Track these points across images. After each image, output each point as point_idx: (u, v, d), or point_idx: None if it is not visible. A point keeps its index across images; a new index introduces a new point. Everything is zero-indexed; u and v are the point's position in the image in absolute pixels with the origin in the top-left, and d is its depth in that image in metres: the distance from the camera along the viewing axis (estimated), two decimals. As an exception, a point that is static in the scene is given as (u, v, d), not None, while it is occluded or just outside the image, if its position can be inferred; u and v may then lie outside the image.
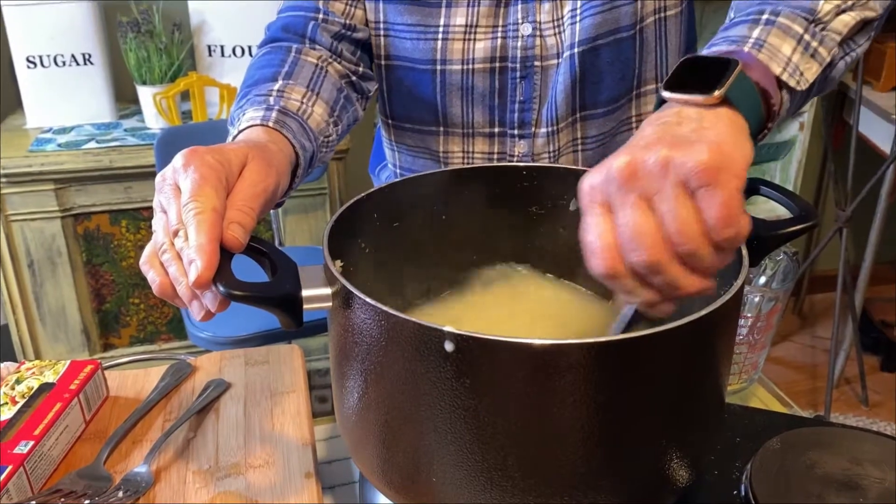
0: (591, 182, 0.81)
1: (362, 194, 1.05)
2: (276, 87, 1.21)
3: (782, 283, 1.38)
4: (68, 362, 1.21)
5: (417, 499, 0.89)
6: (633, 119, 1.44)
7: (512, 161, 1.40)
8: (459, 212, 1.14)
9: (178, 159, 0.91)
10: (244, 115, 1.14)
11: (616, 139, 1.43)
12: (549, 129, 1.38)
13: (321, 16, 1.35)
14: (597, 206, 0.80)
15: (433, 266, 1.16)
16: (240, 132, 1.11)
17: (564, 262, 1.18)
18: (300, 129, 1.15)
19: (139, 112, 3.23)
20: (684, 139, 0.79)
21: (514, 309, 1.18)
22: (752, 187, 1.04)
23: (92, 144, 3.00)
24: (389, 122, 1.48)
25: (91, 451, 1.13)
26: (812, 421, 1.21)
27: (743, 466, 1.03)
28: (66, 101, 3.16)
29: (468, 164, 1.42)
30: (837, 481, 0.96)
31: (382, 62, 1.41)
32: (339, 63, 1.35)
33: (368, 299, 0.82)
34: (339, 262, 0.92)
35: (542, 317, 1.17)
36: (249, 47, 3.16)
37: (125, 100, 3.34)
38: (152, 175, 2.82)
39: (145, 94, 3.12)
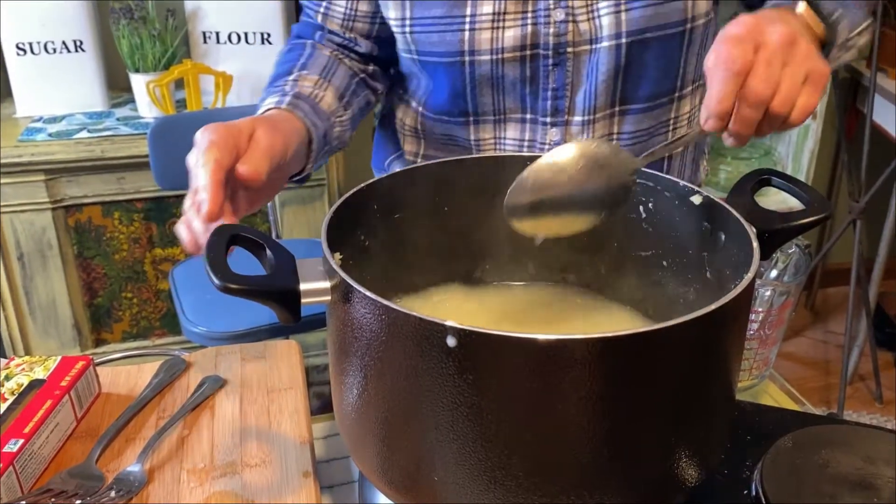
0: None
1: (362, 185, 1.05)
2: (292, 77, 1.36)
3: (794, 276, 1.38)
4: (59, 358, 1.21)
5: (418, 498, 0.89)
6: (672, 122, 1.44)
7: (544, 148, 1.40)
8: (462, 203, 1.14)
9: (197, 134, 1.07)
10: (263, 104, 1.30)
11: (652, 140, 1.43)
12: (585, 118, 1.38)
13: (323, 33, 1.47)
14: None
15: (435, 259, 1.16)
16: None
17: (570, 254, 1.18)
18: (311, 110, 1.29)
19: (132, 101, 3.22)
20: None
21: (519, 303, 1.18)
22: (764, 178, 1.04)
23: (83, 134, 3.00)
24: (418, 112, 1.48)
25: (82, 449, 1.13)
26: (825, 419, 1.21)
27: (754, 466, 1.03)
28: (56, 90, 3.15)
29: (500, 150, 1.42)
30: (851, 481, 0.96)
31: (410, 57, 1.41)
32: (349, 61, 1.46)
33: (368, 293, 0.82)
34: (338, 255, 0.92)
35: (547, 312, 1.17)
36: (245, 34, 3.15)
37: (118, 88, 3.34)
38: (146, 165, 2.83)
39: (138, 82, 3.11)
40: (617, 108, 1.39)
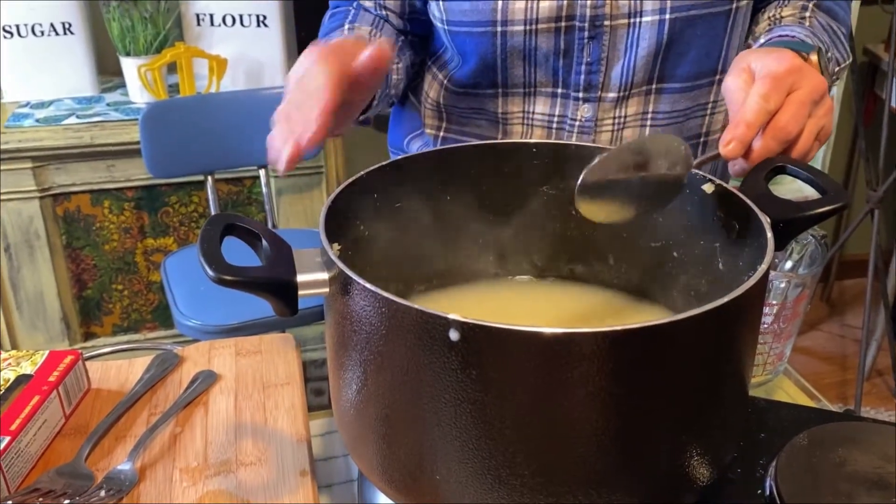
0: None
1: (362, 173, 1.05)
2: (345, 27, 1.43)
3: (810, 267, 1.38)
4: (47, 352, 1.21)
5: (420, 498, 0.89)
6: (710, 105, 1.45)
7: (574, 125, 1.40)
8: (466, 192, 1.14)
9: (301, 57, 1.10)
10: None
11: (688, 123, 1.44)
12: (620, 94, 1.39)
13: (357, 11, 1.49)
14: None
15: (437, 250, 1.16)
16: None
17: (577, 245, 1.18)
18: None
19: (123, 85, 3.22)
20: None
21: (525, 296, 1.18)
22: (778, 166, 1.04)
23: (72, 120, 3.00)
24: (443, 86, 1.48)
25: (71, 447, 1.13)
26: (841, 415, 1.21)
27: (768, 464, 1.03)
28: (44, 74, 3.16)
29: (528, 125, 1.42)
30: (869, 480, 0.96)
31: (440, 27, 1.41)
32: (389, 27, 1.49)
33: (368, 285, 0.81)
34: (336, 246, 0.92)
35: (553, 305, 1.17)
36: (240, 16, 3.15)
37: (108, 72, 3.34)
38: (136, 153, 2.83)
39: (129, 66, 3.12)
40: (654, 86, 1.39)
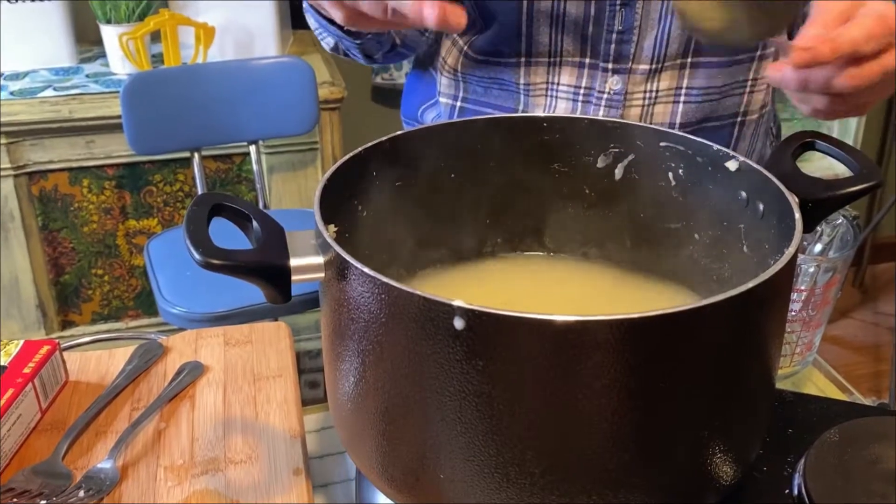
0: None
1: (359, 149, 1.04)
2: None
3: (841, 251, 1.38)
4: (21, 342, 1.21)
5: (422, 498, 0.90)
6: (749, 83, 1.45)
7: (602, 98, 1.40)
8: (471, 169, 1.14)
9: None
10: None
11: (724, 101, 1.44)
12: (652, 66, 1.39)
13: None
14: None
15: (440, 232, 1.16)
16: None
17: (591, 227, 1.18)
18: None
19: (103, 55, 3.22)
20: None
21: (535, 281, 1.18)
22: (808, 142, 1.04)
23: (49, 92, 3.00)
24: (462, 52, 1.48)
25: (48, 444, 1.13)
26: (875, 409, 1.21)
27: (796, 462, 1.03)
28: (19, 43, 3.15)
29: (552, 96, 1.42)
30: (904, 479, 0.96)
31: None
32: None
33: (366, 269, 0.81)
34: (332, 227, 0.92)
35: (565, 291, 1.17)
36: (229, -19, 3.16)
37: (87, 41, 3.34)
38: (118, 128, 2.83)
39: (110, 34, 3.11)
40: (689, 59, 1.39)
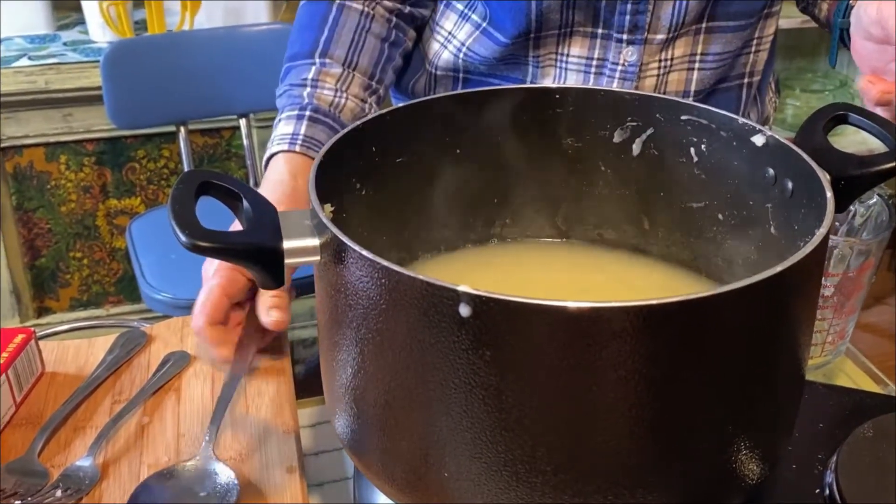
0: None
1: (357, 122, 1.04)
2: (311, 74, 1.41)
3: (875, 232, 1.37)
4: (-5, 330, 1.21)
5: (425, 498, 0.90)
6: (754, 42, 1.48)
7: (616, 69, 1.41)
8: (478, 145, 1.14)
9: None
10: (279, 124, 1.39)
11: (737, 60, 1.47)
12: (669, 35, 1.40)
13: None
14: None
15: (444, 212, 1.16)
16: (270, 158, 1.38)
17: (606, 206, 1.18)
18: (330, 131, 1.36)
19: (82, 22, 3.22)
20: None
21: (546, 265, 1.18)
22: (839, 115, 1.04)
23: (23, 62, 3.00)
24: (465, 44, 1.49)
25: (23, 440, 1.13)
26: (912, 403, 1.21)
27: (827, 459, 1.03)
28: (-10, 9, 3.16)
29: (561, 68, 1.43)
30: (943, 477, 0.96)
31: None
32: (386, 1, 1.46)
33: (365, 252, 0.81)
34: (328, 207, 0.92)
35: (579, 276, 1.17)
36: (217, -58, 3.15)
37: (64, 7, 3.34)
38: (98, 99, 2.83)
39: (89, -1, 3.12)
40: (704, 25, 1.40)
